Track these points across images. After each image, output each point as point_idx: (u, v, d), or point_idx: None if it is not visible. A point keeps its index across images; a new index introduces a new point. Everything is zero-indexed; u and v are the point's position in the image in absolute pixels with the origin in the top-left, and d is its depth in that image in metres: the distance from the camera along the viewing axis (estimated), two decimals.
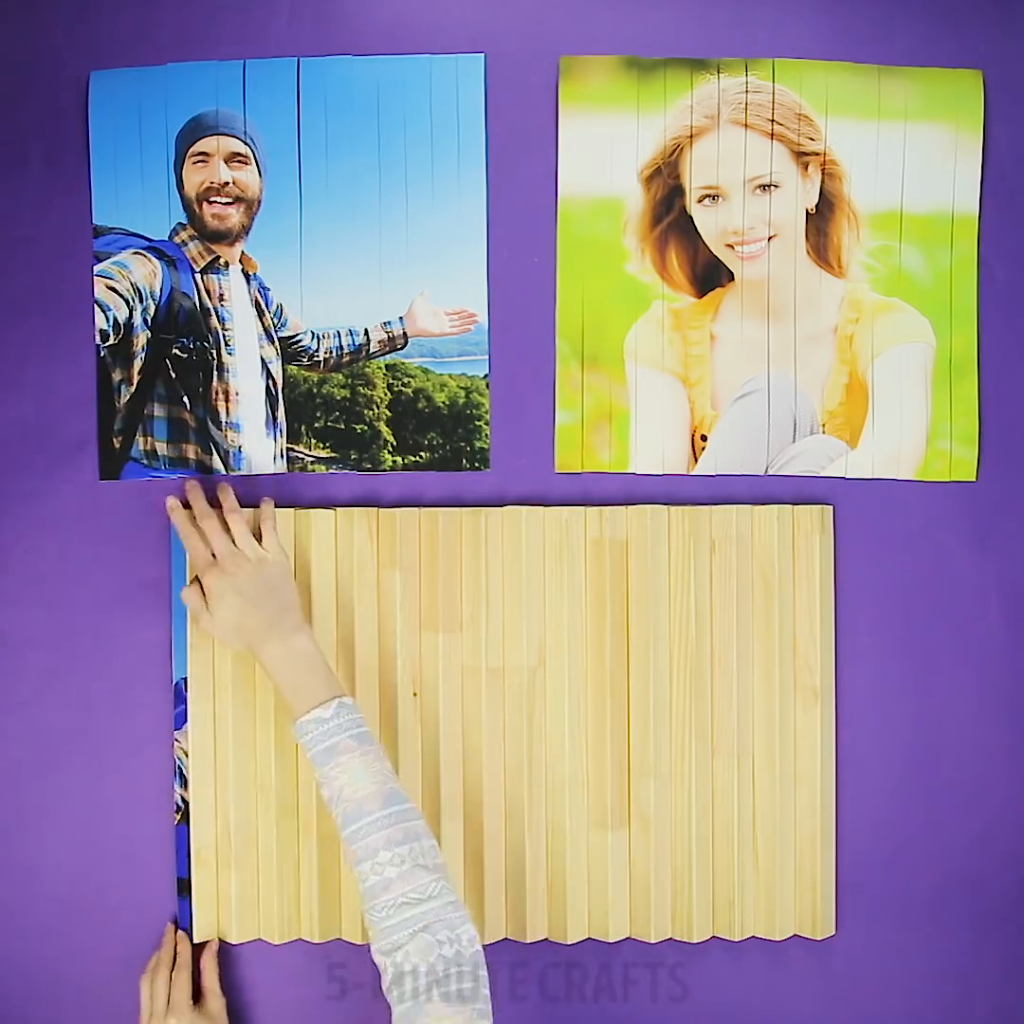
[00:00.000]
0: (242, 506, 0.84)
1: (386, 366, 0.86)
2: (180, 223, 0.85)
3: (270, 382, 0.85)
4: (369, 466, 0.86)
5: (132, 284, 0.84)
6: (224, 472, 0.85)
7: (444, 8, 0.85)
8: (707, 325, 0.86)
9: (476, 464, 0.86)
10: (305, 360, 0.85)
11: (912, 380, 0.86)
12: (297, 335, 0.85)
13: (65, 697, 0.84)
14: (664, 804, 0.84)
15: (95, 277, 0.84)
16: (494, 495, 0.86)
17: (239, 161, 0.84)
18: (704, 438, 0.86)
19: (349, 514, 0.84)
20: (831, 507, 0.85)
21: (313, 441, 0.86)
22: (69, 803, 0.84)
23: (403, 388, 0.86)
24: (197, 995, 0.81)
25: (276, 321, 0.85)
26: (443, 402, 0.86)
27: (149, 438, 0.85)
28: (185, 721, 0.83)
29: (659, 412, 0.86)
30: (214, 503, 0.80)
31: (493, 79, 0.84)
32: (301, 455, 0.86)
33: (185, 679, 0.83)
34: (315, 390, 0.86)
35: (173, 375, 0.85)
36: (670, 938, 0.84)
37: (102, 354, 0.85)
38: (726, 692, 0.84)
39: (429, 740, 0.83)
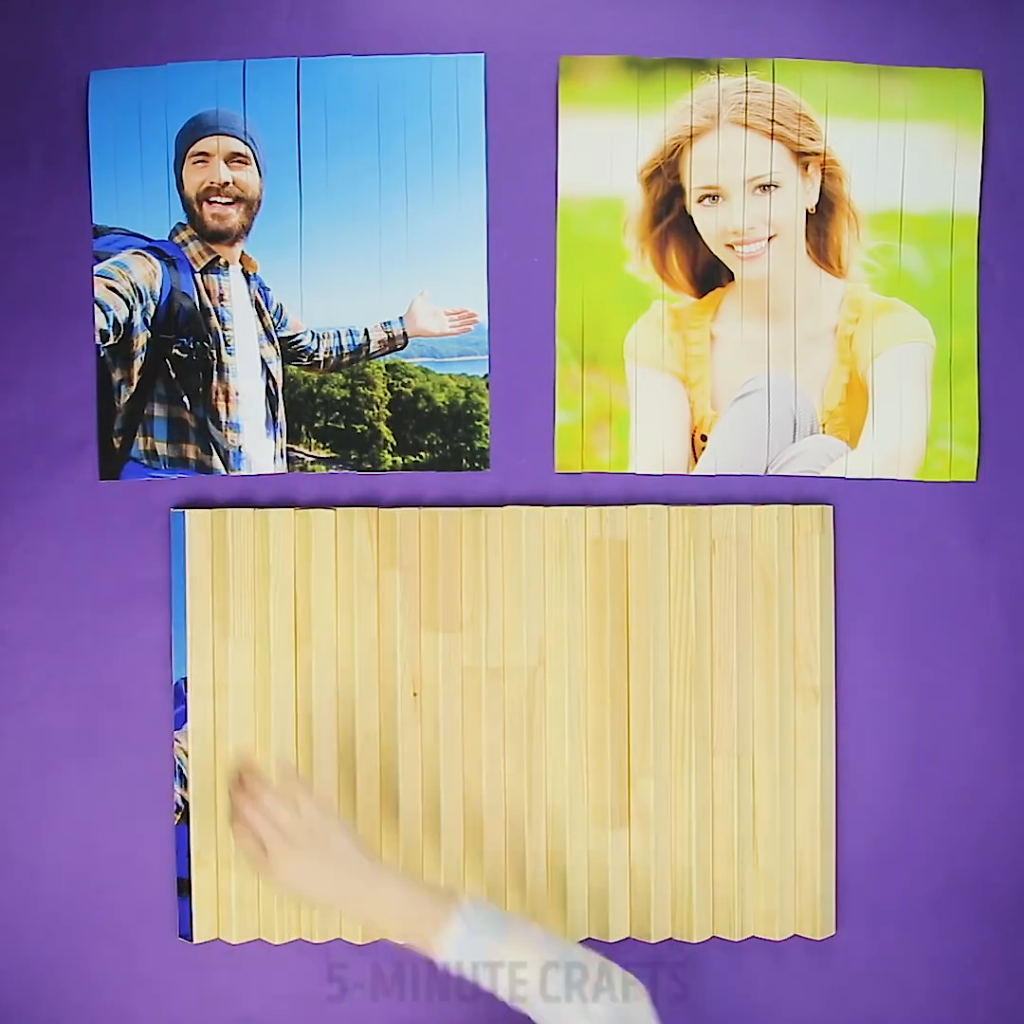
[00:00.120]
0: (241, 506, 0.85)
1: (386, 366, 0.86)
2: (180, 223, 0.85)
3: (270, 382, 0.85)
4: (369, 466, 0.86)
5: (132, 284, 0.84)
6: (224, 472, 0.85)
7: (444, 8, 0.85)
8: (707, 325, 0.86)
9: (476, 464, 0.86)
10: (305, 360, 0.85)
11: (912, 380, 0.86)
12: (297, 335, 0.85)
13: (65, 697, 0.84)
14: (664, 804, 0.84)
15: (95, 277, 0.84)
16: (494, 495, 0.86)
17: (239, 161, 0.84)
18: (704, 438, 0.86)
19: (349, 514, 0.84)
20: (831, 507, 0.85)
21: (313, 441, 0.86)
22: (69, 803, 0.84)
23: (403, 388, 0.86)
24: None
25: (276, 321, 0.85)
26: (443, 402, 0.86)
27: (149, 438, 0.85)
28: (185, 721, 0.83)
29: (659, 412, 0.86)
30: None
31: (493, 79, 0.84)
32: (301, 455, 0.86)
33: (185, 679, 0.83)
34: (315, 390, 0.86)
35: (173, 375, 0.85)
36: (670, 938, 0.84)
37: (102, 354, 0.85)
38: (726, 692, 0.84)
39: (429, 740, 0.83)
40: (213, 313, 0.85)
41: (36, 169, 0.84)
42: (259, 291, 0.85)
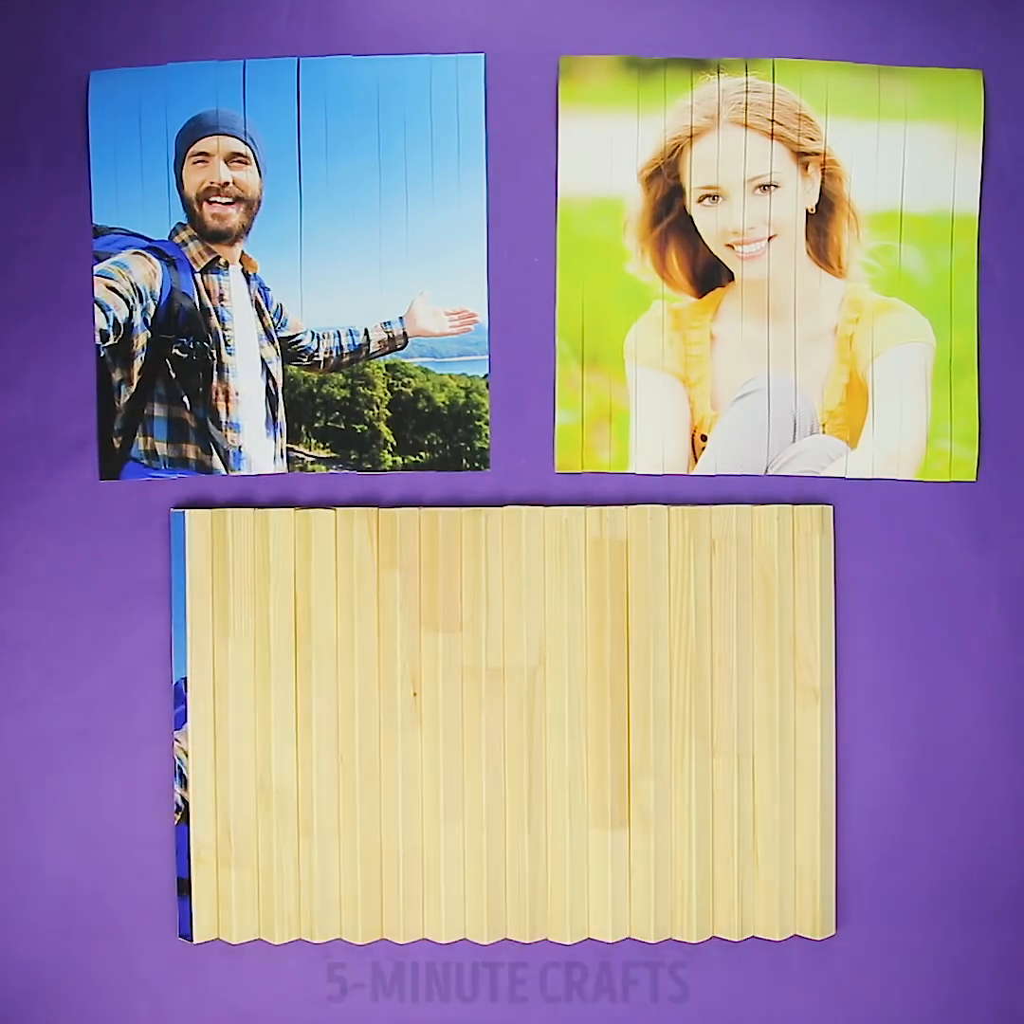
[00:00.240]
0: (241, 506, 0.85)
1: (386, 366, 0.86)
2: (180, 223, 0.85)
3: (270, 382, 0.85)
4: (369, 466, 0.86)
5: (132, 284, 0.84)
6: (224, 472, 0.85)
7: (444, 8, 0.85)
8: (707, 325, 0.86)
9: (476, 464, 0.86)
10: (305, 360, 0.85)
11: (912, 380, 0.86)
12: (297, 335, 0.85)
13: (65, 697, 0.85)
14: (664, 804, 0.84)
15: (95, 277, 0.84)
16: (494, 495, 0.86)
17: (239, 161, 0.84)
18: (704, 438, 0.86)
19: (349, 514, 0.84)
20: (831, 507, 0.85)
21: (313, 441, 0.86)
22: (69, 803, 0.84)
23: (403, 388, 0.86)
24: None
25: (276, 321, 0.85)
26: (443, 402, 0.86)
27: (149, 438, 0.85)
28: (185, 721, 0.83)
29: (659, 412, 0.86)
30: None
31: (493, 79, 0.84)
32: (301, 455, 0.86)
33: (185, 679, 0.83)
34: (315, 390, 0.86)
35: (173, 375, 0.85)
36: (670, 938, 0.84)
37: (102, 354, 0.85)
38: (726, 692, 0.84)
39: (429, 740, 0.83)
40: (213, 313, 0.85)
41: (36, 169, 0.84)
42: (259, 291, 0.85)
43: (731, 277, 0.85)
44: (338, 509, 0.84)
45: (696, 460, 0.86)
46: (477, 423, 0.86)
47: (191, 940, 0.83)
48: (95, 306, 0.84)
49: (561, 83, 0.84)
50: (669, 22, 0.85)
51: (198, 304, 0.85)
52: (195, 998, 0.84)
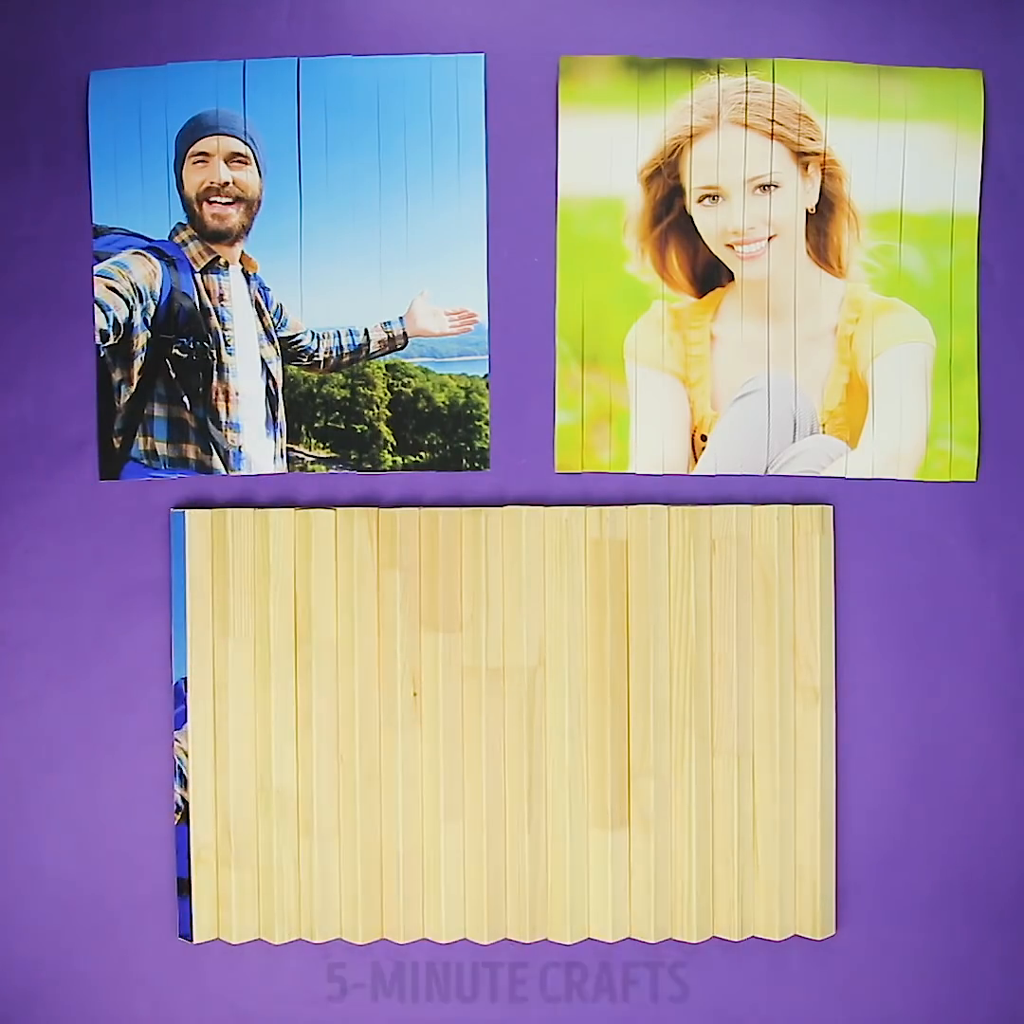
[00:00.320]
0: (241, 506, 0.85)
1: (386, 366, 0.86)
2: (180, 223, 0.85)
3: (270, 382, 0.85)
4: (369, 466, 0.86)
5: (132, 284, 0.84)
6: (224, 472, 0.85)
7: (444, 8, 0.85)
8: (707, 325, 0.86)
9: (476, 464, 0.86)
10: (305, 360, 0.85)
11: (912, 380, 0.86)
12: (297, 335, 0.85)
13: (65, 697, 0.85)
14: (664, 804, 0.84)
15: (95, 277, 0.84)
16: (494, 495, 0.86)
17: (239, 161, 0.84)
18: (704, 438, 0.86)
19: (349, 514, 0.84)
20: (831, 507, 0.85)
21: (313, 441, 0.86)
22: (69, 803, 0.84)
23: (403, 388, 0.86)
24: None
25: (276, 321, 0.85)
26: (443, 402, 0.86)
27: (149, 438, 0.85)
28: (185, 721, 0.83)
29: (659, 412, 0.86)
30: None
31: (493, 79, 0.84)
32: (301, 455, 0.86)
33: (185, 679, 0.83)
34: (315, 390, 0.86)
35: (173, 375, 0.85)
36: (670, 938, 0.84)
37: (102, 354, 0.85)
38: (726, 692, 0.84)
39: (429, 740, 0.83)
40: (213, 313, 0.85)
41: (36, 169, 0.84)
42: (259, 291, 0.85)
43: (731, 277, 0.85)
44: (338, 509, 0.84)
45: (696, 460, 0.86)
46: (477, 423, 0.86)
47: (191, 940, 0.83)
48: (95, 306, 0.84)
49: (561, 83, 0.84)
50: (669, 22, 0.85)
51: (198, 304, 0.85)
52: (195, 998, 0.84)
